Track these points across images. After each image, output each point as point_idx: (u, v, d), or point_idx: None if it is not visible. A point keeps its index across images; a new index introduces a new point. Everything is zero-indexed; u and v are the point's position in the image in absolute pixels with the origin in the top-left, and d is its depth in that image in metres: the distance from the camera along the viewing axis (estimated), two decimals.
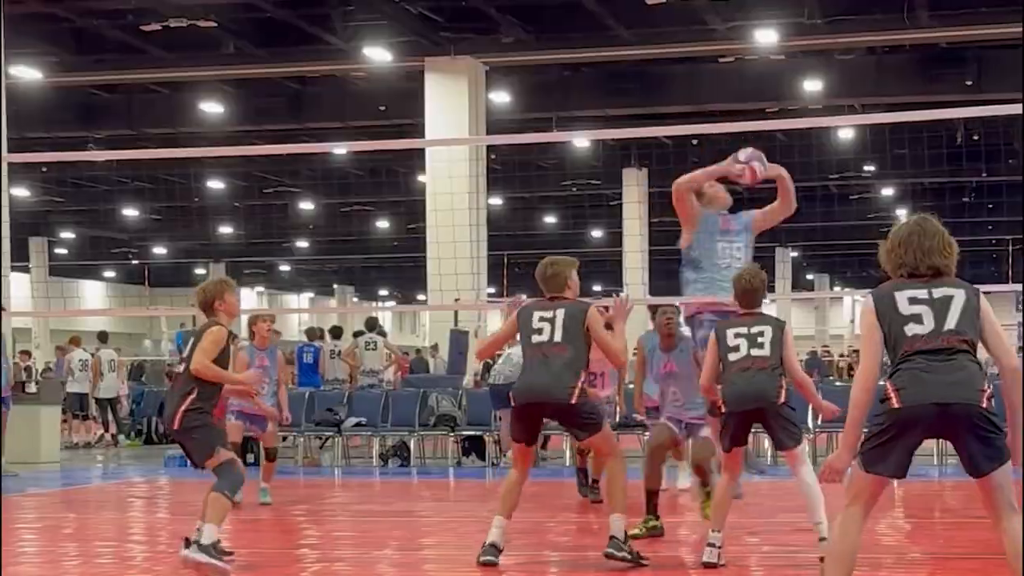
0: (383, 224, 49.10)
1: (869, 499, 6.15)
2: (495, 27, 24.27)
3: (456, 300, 22.63)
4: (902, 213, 44.40)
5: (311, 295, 78.27)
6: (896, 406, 5.99)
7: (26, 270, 46.88)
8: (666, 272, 59.27)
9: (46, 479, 17.20)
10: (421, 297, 57.76)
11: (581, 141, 33.20)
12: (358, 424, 19.16)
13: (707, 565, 8.74)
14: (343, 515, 13.37)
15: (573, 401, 8.81)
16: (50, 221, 46.96)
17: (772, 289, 56.33)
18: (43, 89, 26.74)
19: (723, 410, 8.93)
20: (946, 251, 6.28)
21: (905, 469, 6.10)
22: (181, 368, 9.13)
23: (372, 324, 23.67)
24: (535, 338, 8.98)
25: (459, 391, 19.63)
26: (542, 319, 9.01)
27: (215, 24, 23.81)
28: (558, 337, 8.92)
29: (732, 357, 8.83)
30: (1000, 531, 6.05)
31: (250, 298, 72.67)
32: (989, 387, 6.03)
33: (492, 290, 32.96)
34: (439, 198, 24.18)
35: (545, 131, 28.72)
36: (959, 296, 6.19)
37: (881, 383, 6.21)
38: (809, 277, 65.95)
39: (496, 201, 38.72)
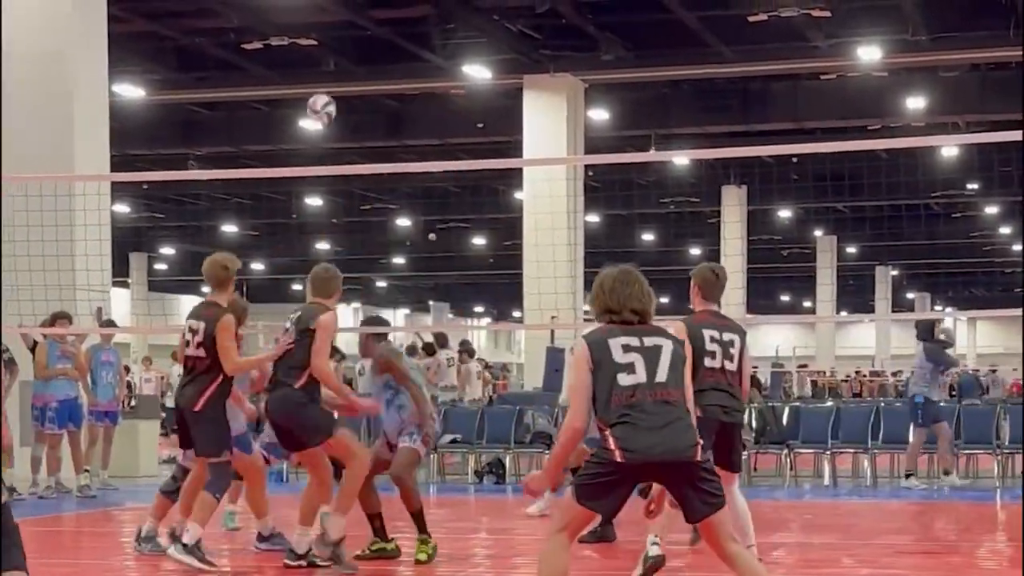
0: (479, 241, 49.24)
1: (577, 529, 6.37)
2: (594, 45, 24.26)
3: (552, 318, 22.59)
4: (1006, 231, 43.77)
5: (407, 311, 78.66)
6: (618, 460, 6.16)
7: (126, 285, 47.55)
8: (765, 291, 58.85)
9: (143, 493, 17.35)
10: (517, 314, 57.87)
11: (680, 159, 33.07)
12: (453, 441, 19.17)
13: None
14: (438, 532, 13.35)
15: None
16: (150, 237, 47.60)
17: (871, 309, 56.07)
18: (145, 106, 27.13)
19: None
20: (645, 297, 6.52)
21: (617, 512, 6.53)
22: (200, 352, 9.31)
23: (443, 341, 23.72)
24: None
25: (555, 409, 19.57)
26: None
27: (315, 42, 24.01)
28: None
29: (707, 363, 8.80)
30: (729, 560, 6.29)
31: (347, 314, 73.17)
32: (701, 440, 6.25)
33: (587, 308, 32.93)
34: (536, 217, 24.19)
35: (644, 148, 28.66)
36: (667, 347, 6.41)
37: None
38: (910, 296, 65.25)
39: (593, 218, 38.69)
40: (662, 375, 6.31)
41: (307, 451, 9.29)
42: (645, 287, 6.56)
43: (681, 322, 8.90)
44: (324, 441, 9.20)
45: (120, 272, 41.28)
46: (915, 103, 26.15)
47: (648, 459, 6.16)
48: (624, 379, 6.28)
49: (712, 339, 8.78)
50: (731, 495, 8.76)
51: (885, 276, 54.58)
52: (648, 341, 6.38)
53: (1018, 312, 9.89)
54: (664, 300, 69.84)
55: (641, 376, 6.28)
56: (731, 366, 8.72)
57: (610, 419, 6.25)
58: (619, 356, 6.32)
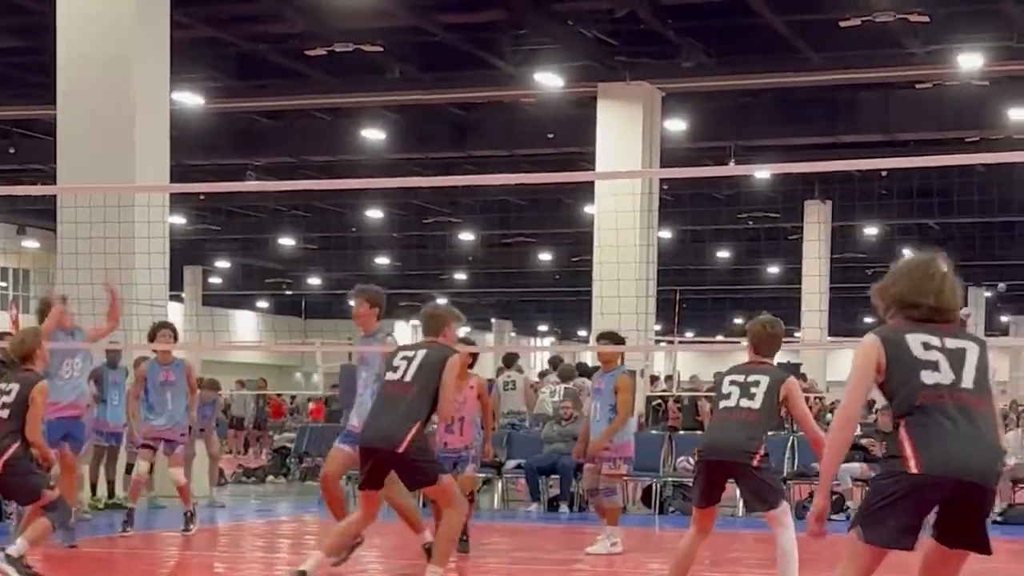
0: (545, 256, 49.17)
1: (866, 571, 5.80)
2: (674, 51, 24.07)
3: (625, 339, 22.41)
4: None
5: (467, 329, 78.52)
6: (913, 471, 5.62)
7: (180, 299, 47.86)
8: (848, 314, 58.24)
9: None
10: (583, 333, 57.72)
11: (760, 173, 32.84)
12: (518, 466, 19.11)
13: None
14: (502, 560, 13.26)
15: (401, 449, 8.92)
16: (206, 249, 47.90)
17: None
18: (204, 115, 27.26)
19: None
20: (957, 293, 6.00)
21: (914, 540, 5.73)
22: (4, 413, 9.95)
23: (510, 360, 23.56)
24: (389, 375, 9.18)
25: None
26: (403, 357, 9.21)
27: (381, 49, 24.04)
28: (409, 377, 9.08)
29: (721, 404, 8.79)
30: None
31: (404, 331, 73.28)
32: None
33: (659, 327, 32.71)
34: (608, 232, 24.02)
35: (722, 160, 28.49)
36: (972, 350, 5.87)
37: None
38: (1004, 319, 64.60)
39: (666, 233, 38.53)
40: (967, 380, 5.76)
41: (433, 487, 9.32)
42: (955, 281, 6.00)
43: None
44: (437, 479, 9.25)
45: (175, 286, 41.68)
46: (1017, 114, 25.76)
47: (950, 474, 5.61)
48: (928, 376, 5.75)
49: (732, 382, 8.80)
50: (776, 534, 8.67)
51: (979, 298, 54.02)
52: (951, 343, 5.83)
53: None
54: (738, 320, 69.63)
55: (946, 376, 5.75)
56: (749, 403, 8.63)
57: (911, 421, 5.74)
58: (920, 352, 5.80)
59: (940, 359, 5.79)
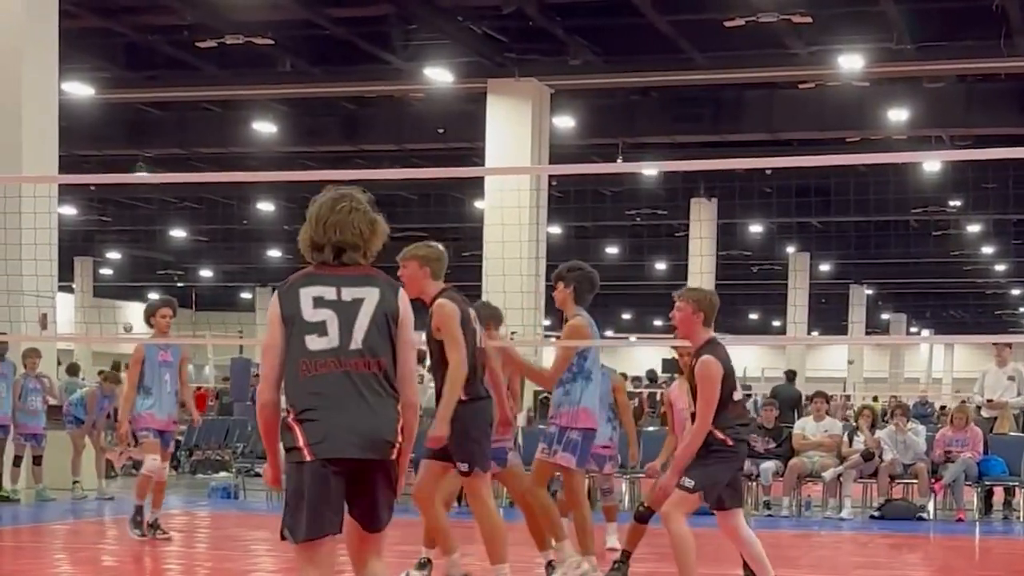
0: None
1: (320, 567, 5.30)
2: (562, 49, 24.19)
3: (512, 335, 22.51)
4: (988, 251, 43.83)
5: None
6: (307, 458, 5.15)
7: (70, 291, 47.27)
8: (734, 311, 58.65)
9: (85, 508, 17.24)
10: None
11: (648, 170, 33.07)
12: None
13: None
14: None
15: None
16: (96, 240, 47.35)
17: (844, 329, 55.93)
18: (94, 105, 26.98)
19: None
20: (365, 230, 5.52)
21: (339, 522, 5.30)
22: None
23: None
24: None
25: None
26: None
27: (272, 42, 23.94)
28: None
29: None
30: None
31: None
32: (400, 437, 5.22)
33: (548, 323, 32.76)
34: (498, 228, 24.06)
35: (610, 158, 28.64)
36: (371, 298, 5.43)
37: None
38: (885, 317, 65.32)
39: (555, 229, 38.65)
40: (357, 340, 5.29)
41: None
42: (368, 216, 5.57)
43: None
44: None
45: (65, 277, 41.15)
46: (897, 115, 26.09)
47: (340, 456, 5.14)
48: (313, 342, 5.24)
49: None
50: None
51: (860, 296, 54.59)
52: (349, 293, 5.38)
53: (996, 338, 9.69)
54: (626, 316, 69.85)
55: (333, 339, 5.25)
56: None
57: (298, 403, 5.23)
58: (309, 312, 5.29)
59: (329, 318, 5.30)
